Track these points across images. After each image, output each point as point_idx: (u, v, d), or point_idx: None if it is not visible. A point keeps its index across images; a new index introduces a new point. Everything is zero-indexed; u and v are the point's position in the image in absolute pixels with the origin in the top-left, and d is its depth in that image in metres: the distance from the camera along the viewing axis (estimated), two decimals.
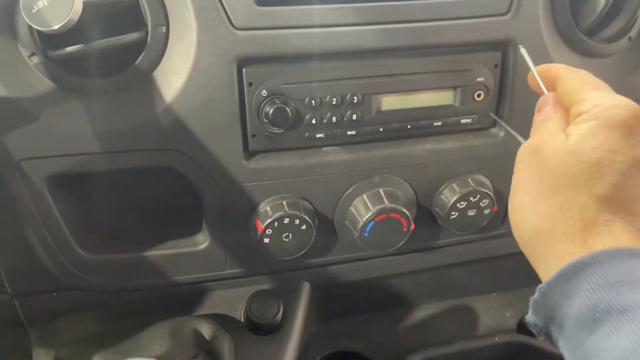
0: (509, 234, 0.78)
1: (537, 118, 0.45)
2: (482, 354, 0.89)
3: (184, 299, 0.69)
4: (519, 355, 0.91)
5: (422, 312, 0.96)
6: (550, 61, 0.63)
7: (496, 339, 0.88)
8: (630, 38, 0.69)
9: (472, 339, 0.90)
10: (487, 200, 0.67)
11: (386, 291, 0.93)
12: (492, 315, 0.98)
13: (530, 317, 0.39)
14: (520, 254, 0.89)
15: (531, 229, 0.40)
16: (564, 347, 0.37)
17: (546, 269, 0.39)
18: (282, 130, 0.59)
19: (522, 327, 0.97)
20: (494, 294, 1.01)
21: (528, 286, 1.03)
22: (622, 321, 0.33)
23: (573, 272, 0.35)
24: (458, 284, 0.97)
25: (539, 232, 0.39)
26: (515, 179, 0.42)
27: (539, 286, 0.37)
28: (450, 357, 0.87)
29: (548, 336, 0.39)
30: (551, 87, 0.46)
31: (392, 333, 0.94)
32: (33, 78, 0.53)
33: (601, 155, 0.38)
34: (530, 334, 0.95)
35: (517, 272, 0.99)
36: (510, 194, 0.43)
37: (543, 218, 0.39)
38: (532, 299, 0.38)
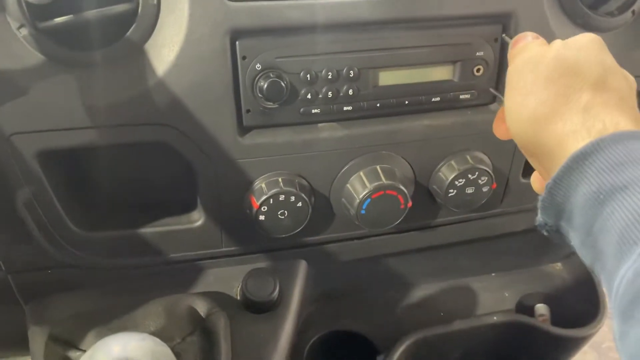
0: (508, 212, 0.78)
1: (517, 47, 0.48)
2: (480, 333, 0.89)
3: (179, 277, 0.69)
4: (518, 335, 0.90)
5: (420, 292, 0.96)
6: (552, 35, 0.62)
7: (494, 318, 0.87)
8: (633, 12, 0.67)
9: (470, 318, 0.89)
10: (486, 178, 0.66)
11: (384, 271, 0.92)
12: (491, 295, 0.98)
13: (539, 219, 0.41)
14: (518, 234, 0.89)
15: (530, 119, 0.41)
16: (574, 240, 0.39)
17: (550, 159, 0.41)
18: (276, 105, 0.58)
19: (521, 308, 0.97)
20: (493, 274, 1.00)
21: (526, 267, 1.03)
22: (624, 197, 0.34)
23: (576, 163, 0.37)
24: (457, 265, 0.97)
25: (537, 121, 0.41)
26: (509, 87, 0.45)
27: (546, 184, 0.38)
28: (449, 336, 0.86)
29: (559, 234, 0.40)
30: None
31: (391, 313, 0.93)
32: (22, 50, 0.51)
33: (591, 51, 0.42)
34: (529, 314, 0.96)
35: (516, 253, 0.99)
36: (505, 100, 0.44)
37: (540, 105, 0.41)
38: (540, 198, 0.39)
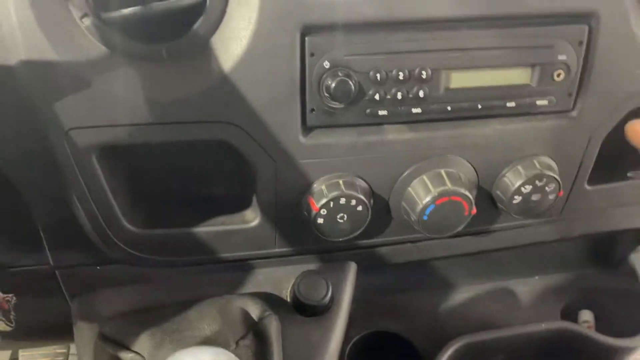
0: (565, 219, 0.75)
1: None
2: (526, 339, 0.86)
3: (229, 276, 0.67)
4: (565, 343, 0.88)
5: (462, 294, 0.94)
6: (633, 38, 0.58)
7: (542, 325, 0.85)
8: None
9: (517, 325, 0.87)
10: (554, 185, 0.63)
11: (428, 272, 0.90)
12: (535, 299, 0.95)
13: None
14: (569, 239, 0.86)
15: None
16: None
17: None
18: (342, 105, 0.55)
19: (566, 313, 0.95)
20: (536, 277, 0.98)
21: (571, 271, 1.01)
22: None
23: None
24: (501, 266, 0.94)
25: None
26: None
27: None
28: (494, 342, 0.84)
29: None
30: None
31: (432, 315, 0.91)
32: (84, 41, 0.49)
33: None
34: (572, 320, 0.93)
35: (561, 256, 0.97)
36: None
37: None
38: None
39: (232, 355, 0.50)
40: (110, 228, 0.59)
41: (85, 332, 0.62)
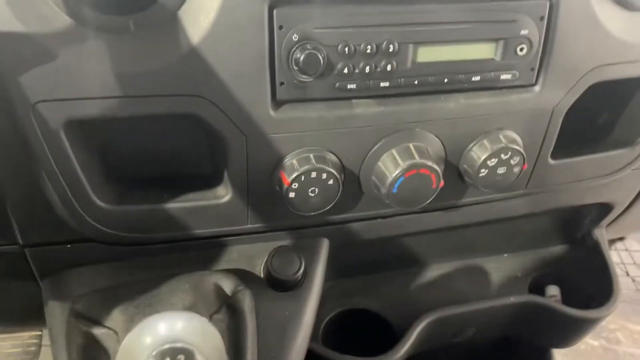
0: (531, 193, 0.77)
1: None
2: (495, 313, 0.89)
3: (202, 253, 0.67)
4: (530, 315, 0.91)
5: (434, 272, 0.96)
6: (593, 14, 0.60)
7: (511, 299, 0.87)
8: None
9: (487, 299, 0.89)
10: (518, 158, 0.65)
11: (400, 249, 0.91)
12: (504, 275, 0.98)
13: None
14: (534, 215, 0.88)
15: None
16: None
17: None
18: (311, 79, 0.56)
19: (534, 288, 0.97)
20: (505, 254, 1.00)
21: (538, 248, 1.04)
22: None
23: None
24: (471, 244, 0.96)
25: None
26: None
27: None
28: (464, 316, 0.86)
29: None
30: None
31: (405, 292, 0.93)
32: (50, 13, 0.48)
33: None
34: (539, 294, 0.96)
35: (529, 234, 0.99)
36: None
37: None
38: None
39: (205, 320, 0.51)
40: (80, 204, 0.58)
41: (57, 311, 0.61)
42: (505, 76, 0.60)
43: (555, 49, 0.60)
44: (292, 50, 0.54)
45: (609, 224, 0.96)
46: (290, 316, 0.66)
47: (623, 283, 1.85)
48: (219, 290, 0.62)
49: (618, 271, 1.92)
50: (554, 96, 0.64)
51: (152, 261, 0.66)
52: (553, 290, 0.98)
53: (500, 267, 0.98)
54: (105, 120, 0.54)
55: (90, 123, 0.54)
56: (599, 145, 0.76)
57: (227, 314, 0.61)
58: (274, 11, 0.53)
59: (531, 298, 0.89)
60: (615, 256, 1.97)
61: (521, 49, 0.59)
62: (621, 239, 1.88)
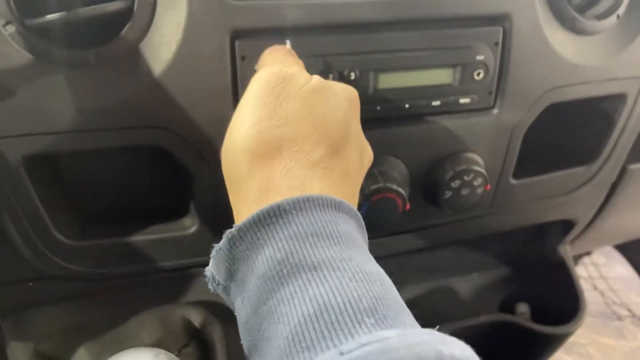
0: (495, 212, 0.78)
1: (274, 51, 0.46)
2: (467, 333, 0.89)
3: (170, 286, 0.66)
4: (501, 333, 0.92)
5: (404, 294, 0.95)
6: (545, 39, 0.62)
7: (482, 318, 0.88)
8: (618, 16, 0.69)
9: (457, 319, 0.90)
10: (481, 179, 0.66)
11: None
12: (474, 295, 0.99)
13: (209, 269, 0.34)
14: (501, 235, 0.90)
15: (246, 150, 0.35)
16: (240, 312, 0.31)
17: (238, 207, 0.35)
18: None
19: (503, 306, 0.98)
20: (474, 274, 1.01)
21: (506, 266, 1.05)
22: (310, 280, 0.28)
23: (270, 218, 0.31)
24: (439, 265, 0.97)
25: (254, 155, 0.35)
26: (247, 100, 0.38)
27: (227, 231, 0.32)
28: None
29: (226, 294, 0.34)
30: None
31: None
32: (8, 49, 0.48)
33: (342, 107, 0.40)
34: (509, 312, 0.97)
35: (497, 252, 1.01)
36: (235, 115, 0.38)
37: (263, 142, 0.35)
38: (216, 246, 0.33)
39: (172, 355, 0.50)
40: (41, 241, 0.57)
41: (20, 352, 0.59)
42: (464, 100, 0.62)
43: (511, 72, 0.62)
44: None
45: (573, 240, 0.99)
46: None
47: (592, 297, 1.89)
48: (187, 323, 0.61)
49: (586, 285, 1.96)
50: (512, 118, 0.66)
51: (117, 296, 0.64)
52: (522, 308, 0.99)
53: (470, 286, 0.99)
54: (67, 155, 0.53)
55: (52, 158, 0.54)
56: (559, 164, 0.79)
57: (197, 347, 0.60)
58: (236, 42, 0.53)
59: (502, 317, 0.90)
60: (583, 270, 2.01)
61: (478, 74, 0.61)
62: (588, 253, 1.93)
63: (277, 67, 0.39)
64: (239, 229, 0.31)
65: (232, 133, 0.37)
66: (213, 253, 0.33)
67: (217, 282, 0.34)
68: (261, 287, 0.29)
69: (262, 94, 0.37)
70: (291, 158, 0.34)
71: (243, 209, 0.34)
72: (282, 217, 0.30)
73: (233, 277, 0.32)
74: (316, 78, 0.40)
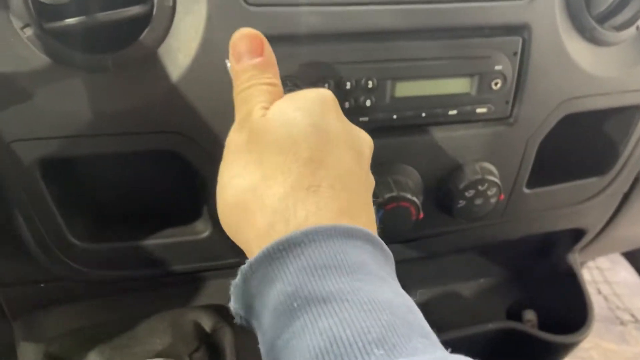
0: (506, 221, 0.78)
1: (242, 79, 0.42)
2: (474, 340, 0.89)
3: (181, 289, 0.66)
4: (509, 341, 0.91)
5: (413, 299, 0.96)
6: (564, 49, 0.62)
7: (490, 325, 0.88)
8: (637, 27, 0.68)
9: (465, 326, 0.90)
10: (495, 189, 0.66)
11: None
12: (481, 301, 0.99)
13: (232, 304, 0.34)
14: (510, 242, 0.90)
15: (231, 204, 0.37)
16: (260, 346, 0.32)
17: (247, 246, 0.35)
18: None
19: (512, 314, 0.98)
20: (481, 279, 1.01)
21: (514, 273, 1.04)
22: (319, 313, 0.28)
23: (279, 252, 0.31)
24: (447, 271, 0.97)
25: (237, 206, 0.36)
26: (223, 161, 0.40)
27: (241, 267, 0.32)
28: (443, 344, 0.86)
29: (252, 328, 0.34)
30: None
31: None
32: (26, 52, 0.48)
33: (307, 121, 0.37)
34: (516, 319, 0.97)
35: (505, 259, 1.01)
36: (219, 174, 0.40)
37: (244, 191, 0.36)
38: (233, 282, 0.33)
39: None
40: (55, 243, 0.57)
41: (30, 353, 0.59)
42: (480, 110, 0.62)
43: (529, 82, 0.62)
44: None
45: (582, 248, 0.98)
46: None
47: (595, 301, 1.88)
48: (198, 327, 0.61)
49: (590, 289, 1.95)
50: (528, 128, 0.66)
51: (129, 299, 0.64)
52: (530, 315, 0.99)
53: (478, 292, 0.99)
54: (82, 158, 0.53)
55: (67, 161, 0.53)
56: (572, 174, 0.78)
57: (207, 352, 0.60)
58: None
59: (510, 324, 0.90)
60: (587, 274, 2.00)
61: (496, 84, 0.60)
62: (592, 257, 1.93)
63: (238, 120, 0.40)
64: (251, 265, 0.32)
65: (217, 192, 0.40)
66: (231, 289, 0.33)
67: (240, 316, 0.34)
68: (275, 321, 0.30)
69: (233, 152, 0.40)
70: (267, 193, 0.34)
71: (253, 246, 0.34)
72: (291, 251, 0.30)
73: (251, 312, 0.32)
74: (276, 101, 0.40)
